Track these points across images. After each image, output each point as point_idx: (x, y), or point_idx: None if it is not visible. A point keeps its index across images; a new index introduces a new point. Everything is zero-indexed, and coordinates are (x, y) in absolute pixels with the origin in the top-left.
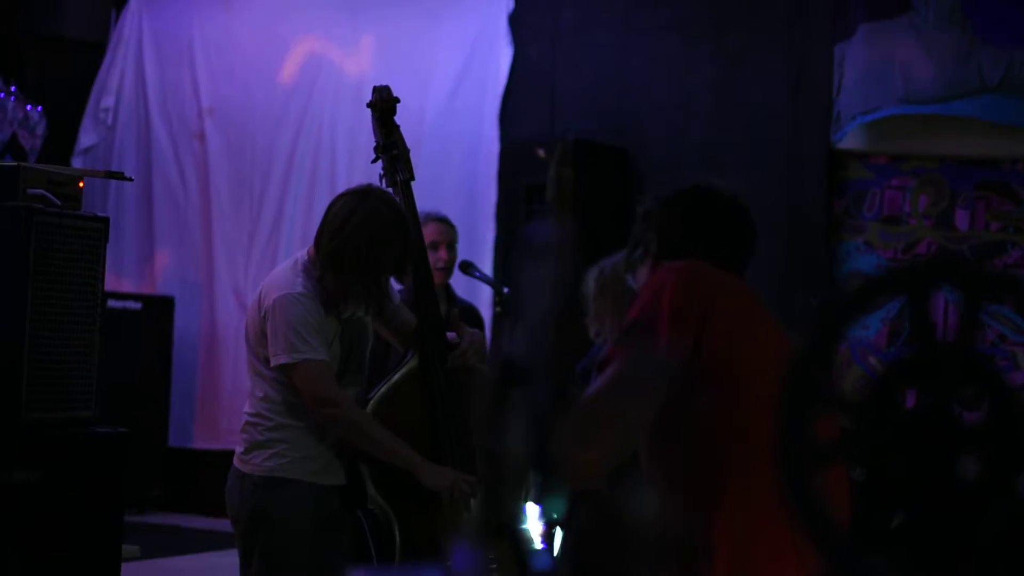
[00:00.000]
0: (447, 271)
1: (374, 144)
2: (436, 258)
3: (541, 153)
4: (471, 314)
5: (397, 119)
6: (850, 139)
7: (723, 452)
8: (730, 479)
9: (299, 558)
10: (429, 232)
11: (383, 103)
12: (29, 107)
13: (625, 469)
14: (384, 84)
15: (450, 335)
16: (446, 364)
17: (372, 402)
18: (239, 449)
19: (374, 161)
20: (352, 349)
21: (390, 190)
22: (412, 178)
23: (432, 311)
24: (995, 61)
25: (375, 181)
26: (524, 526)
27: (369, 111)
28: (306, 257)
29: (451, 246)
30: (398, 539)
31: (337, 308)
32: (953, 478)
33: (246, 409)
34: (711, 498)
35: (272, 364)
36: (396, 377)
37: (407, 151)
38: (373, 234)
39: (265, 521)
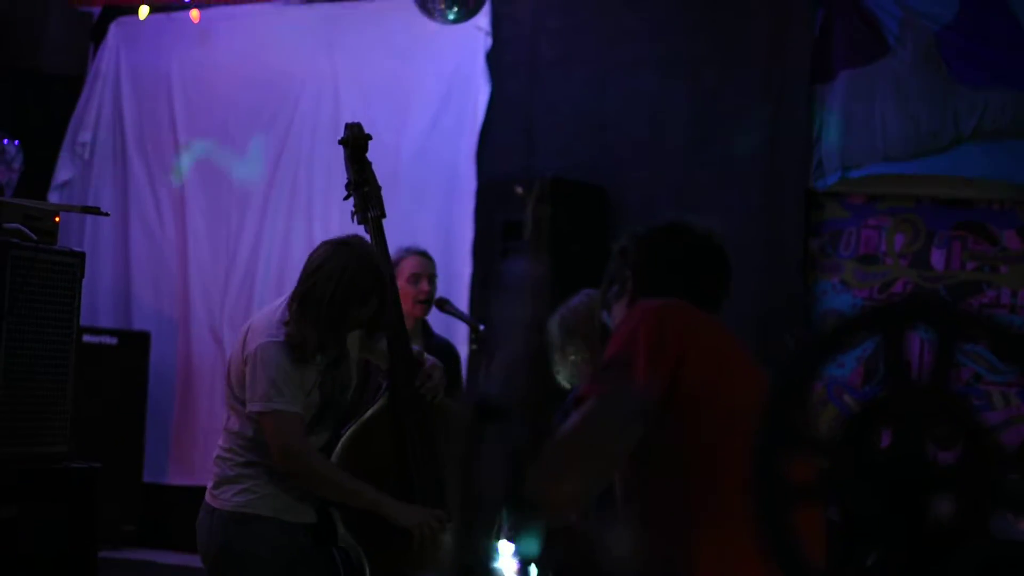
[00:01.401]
0: (428, 304)
1: (345, 181)
2: (418, 291)
3: (519, 190)
4: (447, 350)
5: (374, 155)
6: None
7: (699, 488)
8: (707, 515)
9: None
10: (410, 265)
11: (355, 140)
12: (6, 141)
13: (600, 505)
14: (357, 121)
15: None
16: (417, 401)
17: (343, 439)
18: (210, 483)
19: (346, 198)
20: (332, 396)
21: (361, 227)
22: (383, 215)
23: (404, 350)
24: (970, 107)
25: (348, 217)
26: (496, 564)
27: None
28: None
29: (432, 279)
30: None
31: (305, 357)
32: (927, 518)
33: (220, 443)
34: (688, 534)
35: (247, 409)
36: (367, 415)
37: (378, 188)
38: (340, 286)
39: (234, 557)
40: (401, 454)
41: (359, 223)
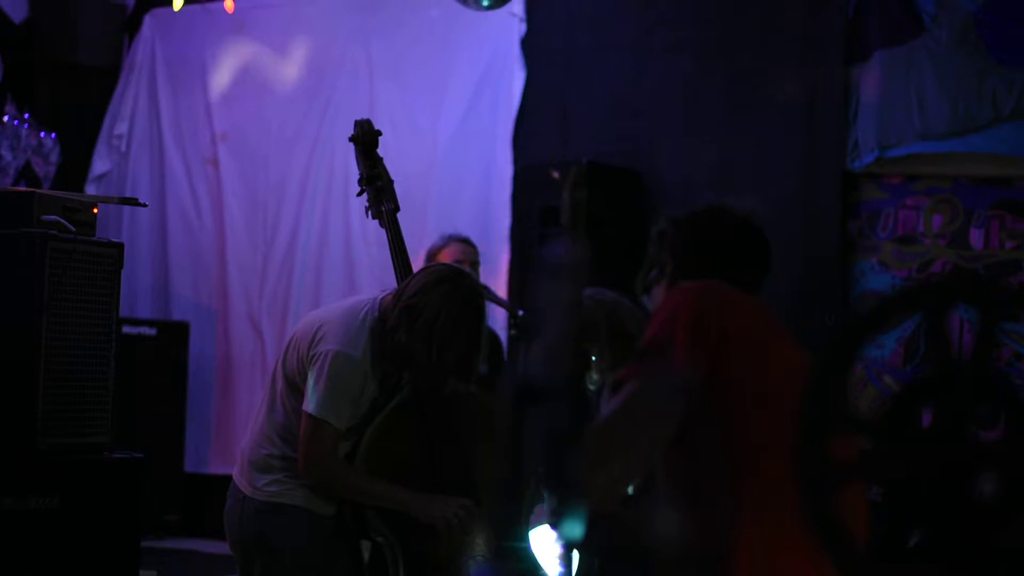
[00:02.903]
0: None
1: (358, 177)
2: None
3: (555, 175)
4: (488, 337)
5: (410, 141)
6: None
7: (742, 470)
8: (749, 496)
9: None
10: (453, 252)
11: (365, 136)
12: (43, 134)
13: (642, 488)
14: (366, 118)
15: None
16: (440, 391)
17: (367, 434)
18: (241, 469)
19: (360, 194)
20: (378, 404)
21: (376, 221)
22: (397, 208)
23: None
24: (1008, 87)
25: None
26: (535, 549)
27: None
28: (377, 311)
29: (475, 266)
30: (402, 567)
31: (388, 370)
32: (970, 496)
33: (259, 427)
34: (731, 515)
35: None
36: (390, 406)
37: (391, 182)
38: (452, 308)
39: (266, 547)
40: (426, 445)
41: (373, 217)
